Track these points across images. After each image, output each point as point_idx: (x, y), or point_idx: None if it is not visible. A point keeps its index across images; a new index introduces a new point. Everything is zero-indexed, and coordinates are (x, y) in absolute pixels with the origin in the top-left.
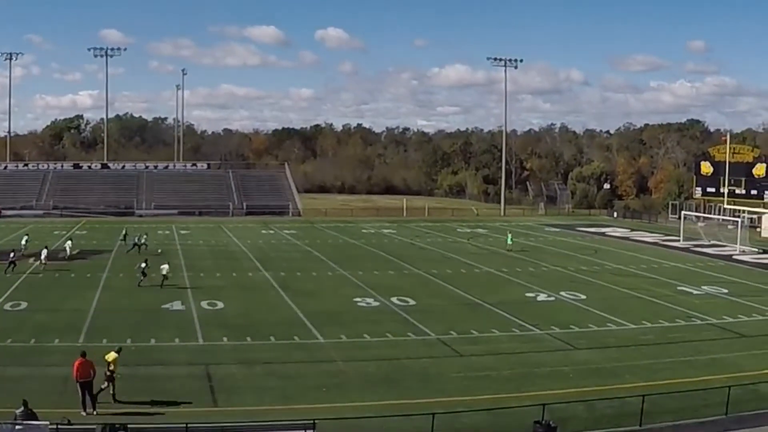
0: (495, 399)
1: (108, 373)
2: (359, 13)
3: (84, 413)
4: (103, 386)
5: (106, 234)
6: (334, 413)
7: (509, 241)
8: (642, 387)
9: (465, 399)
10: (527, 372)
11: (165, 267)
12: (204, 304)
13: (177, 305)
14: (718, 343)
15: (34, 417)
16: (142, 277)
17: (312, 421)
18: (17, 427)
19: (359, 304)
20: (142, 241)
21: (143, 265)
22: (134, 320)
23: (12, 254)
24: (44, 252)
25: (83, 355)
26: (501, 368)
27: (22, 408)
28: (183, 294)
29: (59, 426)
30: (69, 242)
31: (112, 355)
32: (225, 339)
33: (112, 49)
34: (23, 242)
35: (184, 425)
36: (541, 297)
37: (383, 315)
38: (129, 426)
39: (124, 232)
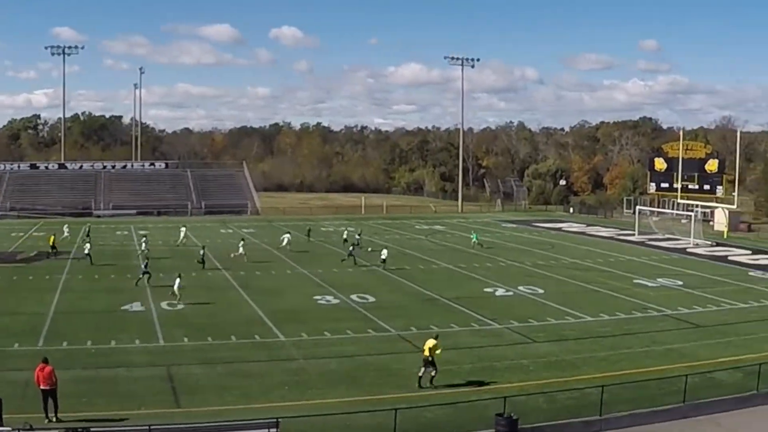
0: (456, 393)
1: (430, 359)
2: (314, 11)
3: (47, 420)
4: (420, 373)
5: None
6: (296, 411)
7: (474, 239)
8: (601, 378)
9: (427, 394)
10: (487, 366)
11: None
12: (164, 304)
13: (137, 306)
14: (674, 333)
15: None
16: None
17: (275, 420)
18: None
19: (319, 302)
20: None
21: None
22: (94, 322)
23: None
24: None
25: (45, 361)
26: (461, 362)
27: None
28: (143, 295)
29: (21, 431)
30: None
31: (431, 342)
32: (186, 339)
33: (70, 48)
34: None
35: (147, 427)
36: (500, 292)
37: (343, 312)
38: (92, 429)
39: (87, 229)
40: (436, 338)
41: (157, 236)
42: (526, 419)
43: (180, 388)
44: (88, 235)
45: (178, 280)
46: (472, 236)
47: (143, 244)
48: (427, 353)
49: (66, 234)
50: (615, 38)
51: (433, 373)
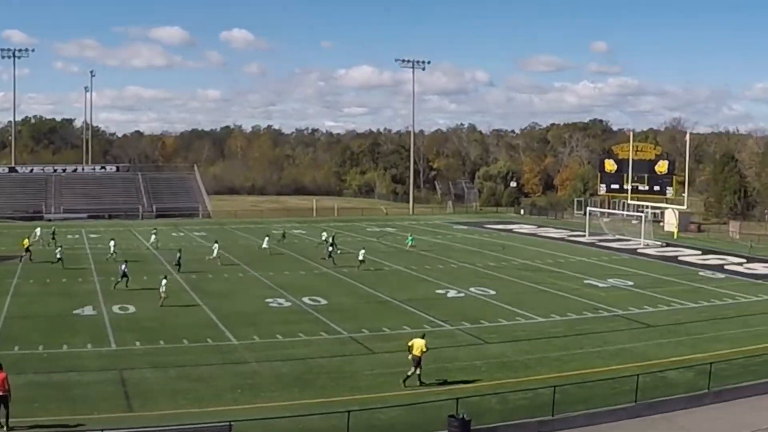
0: (409, 395)
1: (417, 359)
2: (264, 14)
3: (2, 428)
4: (410, 372)
5: (14, 239)
6: (249, 414)
7: (410, 242)
8: (553, 378)
9: (379, 396)
10: (440, 367)
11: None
12: (116, 308)
13: (88, 310)
14: (625, 333)
15: None
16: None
17: (228, 423)
18: None
19: (271, 304)
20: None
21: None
22: (46, 326)
23: None
24: None
25: None
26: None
27: None
28: (94, 299)
29: None
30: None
31: (420, 341)
32: (138, 343)
33: (20, 50)
34: None
35: (100, 431)
36: (451, 293)
37: (295, 315)
38: None
39: (53, 229)
40: (423, 337)
41: (108, 240)
42: (479, 420)
43: (132, 392)
44: (53, 239)
45: (164, 281)
46: (408, 239)
47: (112, 248)
48: (417, 353)
49: (38, 237)
50: (566, 40)
51: (418, 372)
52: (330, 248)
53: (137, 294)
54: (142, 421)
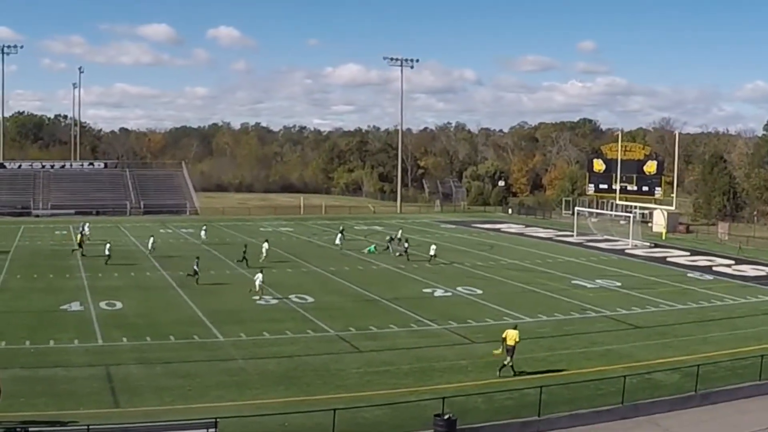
0: (395, 393)
1: (511, 348)
2: (251, 12)
3: None
4: (506, 362)
5: (2, 235)
6: (235, 411)
7: (371, 250)
8: (540, 378)
9: (365, 394)
10: (426, 366)
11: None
12: (103, 304)
13: (75, 306)
14: (612, 334)
15: None
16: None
17: (214, 420)
18: None
19: (258, 302)
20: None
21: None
22: (32, 322)
23: None
24: None
25: None
26: (400, 363)
27: None
28: (81, 294)
29: None
30: None
31: (513, 332)
32: (124, 339)
33: (8, 47)
34: None
35: (86, 427)
36: (438, 292)
37: (282, 313)
38: (30, 430)
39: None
40: (515, 328)
41: (95, 236)
42: (465, 419)
43: (119, 388)
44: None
45: (260, 275)
46: (369, 248)
47: (150, 244)
48: (512, 342)
49: (87, 232)
50: (553, 40)
51: (511, 363)
52: (406, 244)
53: (123, 290)
54: (129, 417)
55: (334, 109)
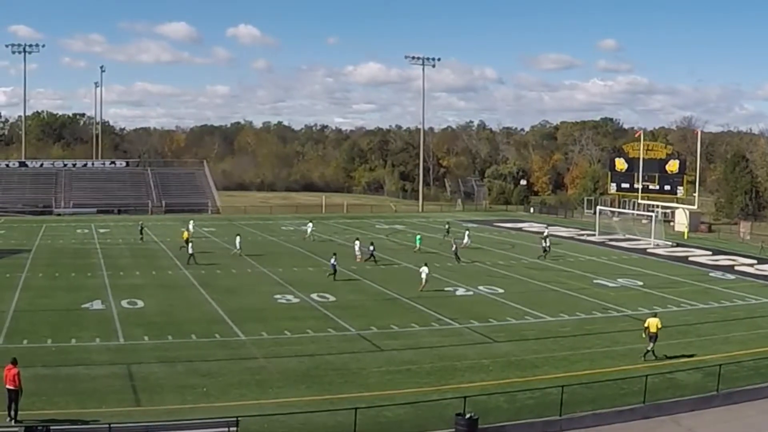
0: (416, 393)
1: (654, 335)
2: (271, 10)
3: (11, 420)
4: (649, 347)
5: (24, 233)
6: (256, 410)
7: (418, 243)
8: (561, 378)
9: (387, 393)
10: (448, 365)
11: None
12: (124, 303)
13: (97, 305)
14: (634, 333)
15: None
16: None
17: (235, 419)
18: None
19: (279, 300)
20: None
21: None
22: (54, 320)
23: None
24: None
25: (14, 362)
26: (422, 362)
27: None
28: (103, 293)
29: None
30: None
31: (655, 320)
32: (146, 338)
33: (30, 46)
34: None
35: (107, 425)
36: (460, 291)
37: (303, 311)
38: (52, 428)
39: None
40: (655, 316)
41: (117, 235)
42: (486, 419)
43: (140, 386)
44: (141, 233)
45: (425, 269)
46: (416, 240)
47: (237, 243)
48: (654, 329)
49: (191, 229)
50: (575, 38)
51: (650, 347)
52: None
53: (144, 288)
54: (150, 415)
55: (355, 108)
